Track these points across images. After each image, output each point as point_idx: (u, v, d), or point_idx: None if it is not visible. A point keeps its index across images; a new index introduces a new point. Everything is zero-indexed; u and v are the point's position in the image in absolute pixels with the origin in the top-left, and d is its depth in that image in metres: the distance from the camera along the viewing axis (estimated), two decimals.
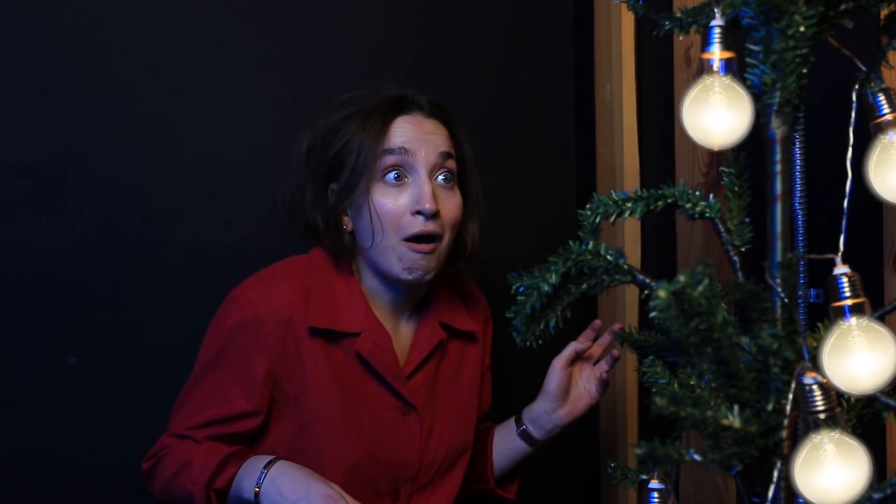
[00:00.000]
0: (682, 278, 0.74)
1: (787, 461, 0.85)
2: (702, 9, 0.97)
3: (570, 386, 1.41)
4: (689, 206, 1.02)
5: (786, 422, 0.86)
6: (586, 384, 1.41)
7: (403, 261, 1.29)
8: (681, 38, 1.06)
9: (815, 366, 0.86)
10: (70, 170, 1.59)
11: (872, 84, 0.93)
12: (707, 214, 1.01)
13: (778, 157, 0.89)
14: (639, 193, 1.02)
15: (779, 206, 0.89)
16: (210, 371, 1.30)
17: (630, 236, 1.77)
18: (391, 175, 1.29)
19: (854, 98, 0.94)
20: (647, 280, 1.01)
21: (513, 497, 1.52)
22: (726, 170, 1.04)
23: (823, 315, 0.94)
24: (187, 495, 1.23)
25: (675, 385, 1.09)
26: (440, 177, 1.31)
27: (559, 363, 1.39)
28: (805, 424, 0.86)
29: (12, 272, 1.56)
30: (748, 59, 0.87)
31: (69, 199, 1.59)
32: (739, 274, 1.00)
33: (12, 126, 1.57)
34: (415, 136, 1.30)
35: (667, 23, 1.01)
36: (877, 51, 0.96)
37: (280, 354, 1.28)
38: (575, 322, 1.39)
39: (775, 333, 0.84)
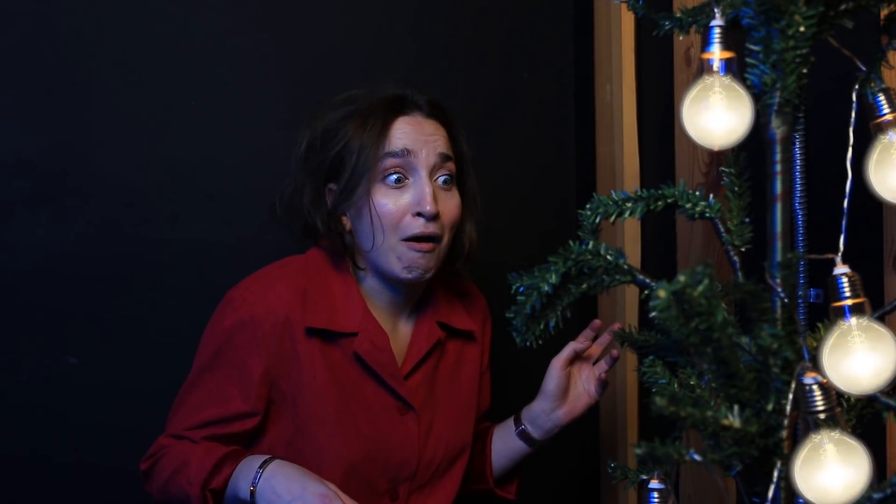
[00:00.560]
0: (682, 278, 0.74)
1: (787, 461, 0.85)
2: (702, 9, 0.97)
3: (570, 386, 1.40)
4: (689, 206, 1.02)
5: (786, 422, 0.86)
6: (585, 384, 1.41)
7: (403, 260, 1.29)
8: (681, 38, 1.06)
9: (815, 366, 0.86)
10: (70, 170, 1.59)
11: (872, 84, 0.93)
12: (707, 214, 1.01)
13: (778, 157, 0.89)
14: (639, 193, 1.02)
15: (779, 206, 0.89)
16: (207, 372, 1.30)
17: (630, 236, 1.77)
18: (392, 177, 1.29)
19: (854, 98, 0.94)
20: (647, 280, 1.01)
21: (512, 497, 1.51)
22: (726, 170, 1.04)
23: (823, 315, 0.94)
24: (184, 495, 1.23)
25: (675, 385, 1.09)
26: (440, 178, 1.32)
27: (558, 363, 1.39)
28: (805, 424, 0.86)
29: (12, 272, 1.56)
30: (748, 59, 0.87)
31: (69, 199, 1.59)
32: (739, 274, 0.99)
33: (12, 126, 1.57)
34: (416, 138, 1.30)
35: (667, 23, 1.01)
36: (877, 51, 0.96)
37: (277, 355, 1.29)
38: (575, 322, 1.39)
39: (775, 333, 0.84)
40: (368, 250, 1.31)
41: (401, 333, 1.39)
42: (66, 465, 1.59)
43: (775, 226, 0.90)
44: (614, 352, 1.41)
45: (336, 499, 1.16)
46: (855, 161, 0.93)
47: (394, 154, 1.29)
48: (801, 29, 0.84)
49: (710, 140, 0.87)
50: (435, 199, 1.29)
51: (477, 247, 1.40)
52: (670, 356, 1.15)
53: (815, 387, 0.85)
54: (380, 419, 1.34)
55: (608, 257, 1.00)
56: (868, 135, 0.93)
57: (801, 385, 0.85)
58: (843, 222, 0.92)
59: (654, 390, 1.12)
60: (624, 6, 1.70)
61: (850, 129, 0.93)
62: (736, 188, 1.03)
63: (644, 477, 1.05)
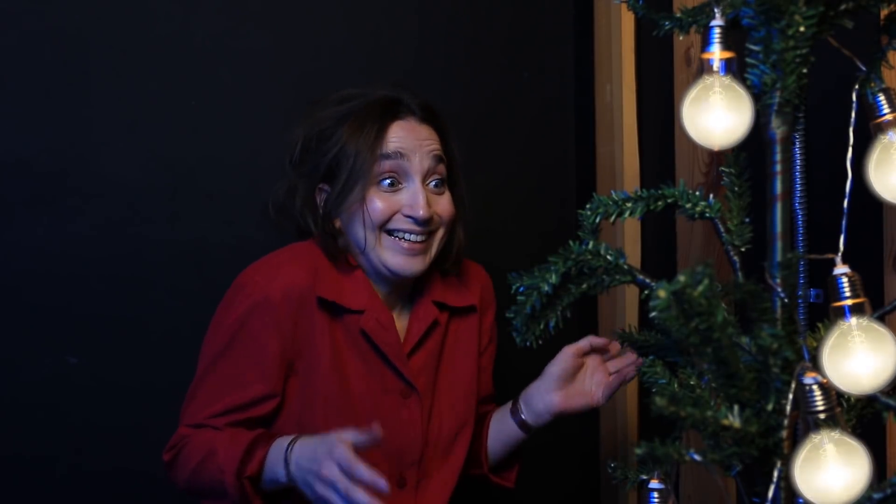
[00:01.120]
0: (682, 278, 0.74)
1: (787, 461, 0.85)
2: (702, 9, 0.98)
3: (576, 379, 1.39)
4: (689, 206, 1.02)
5: (786, 422, 0.87)
6: (593, 385, 1.40)
7: (395, 258, 1.31)
8: (681, 38, 1.07)
9: (815, 366, 0.86)
10: (70, 170, 1.59)
11: (872, 84, 0.93)
12: (707, 214, 1.01)
13: (778, 157, 0.89)
14: (639, 193, 1.02)
15: (779, 206, 0.89)
16: (222, 358, 1.30)
17: (630, 236, 1.77)
18: (386, 181, 1.31)
19: (854, 98, 0.94)
20: (647, 280, 1.01)
21: (511, 485, 1.50)
22: (726, 170, 1.04)
23: (823, 315, 0.94)
24: (217, 482, 1.24)
25: (675, 385, 1.10)
26: (432, 182, 1.34)
27: (570, 349, 1.37)
28: (805, 424, 0.86)
29: (12, 272, 1.56)
30: (748, 59, 0.87)
31: (69, 199, 1.59)
32: (739, 274, 1.00)
33: (12, 126, 1.57)
34: (410, 143, 1.32)
35: (667, 23, 1.02)
36: (877, 51, 0.96)
37: (293, 333, 1.30)
38: (575, 322, 1.39)
39: (775, 333, 0.84)
40: (361, 251, 1.32)
41: (399, 319, 1.40)
42: (66, 464, 1.59)
43: (775, 226, 0.90)
44: (631, 371, 1.38)
45: (345, 455, 1.15)
46: (855, 161, 0.93)
47: (388, 157, 1.31)
48: (801, 29, 0.84)
49: (710, 140, 0.87)
50: (428, 203, 1.31)
51: (463, 248, 1.42)
52: (670, 356, 1.15)
53: (815, 387, 0.85)
54: (382, 403, 1.35)
55: (608, 257, 1.00)
56: (868, 135, 0.93)
57: (801, 385, 0.85)
58: (843, 222, 0.92)
59: (654, 390, 1.12)
60: (624, 6, 1.70)
61: (850, 129, 0.93)
62: (736, 188, 1.03)
63: (644, 477, 1.05)
